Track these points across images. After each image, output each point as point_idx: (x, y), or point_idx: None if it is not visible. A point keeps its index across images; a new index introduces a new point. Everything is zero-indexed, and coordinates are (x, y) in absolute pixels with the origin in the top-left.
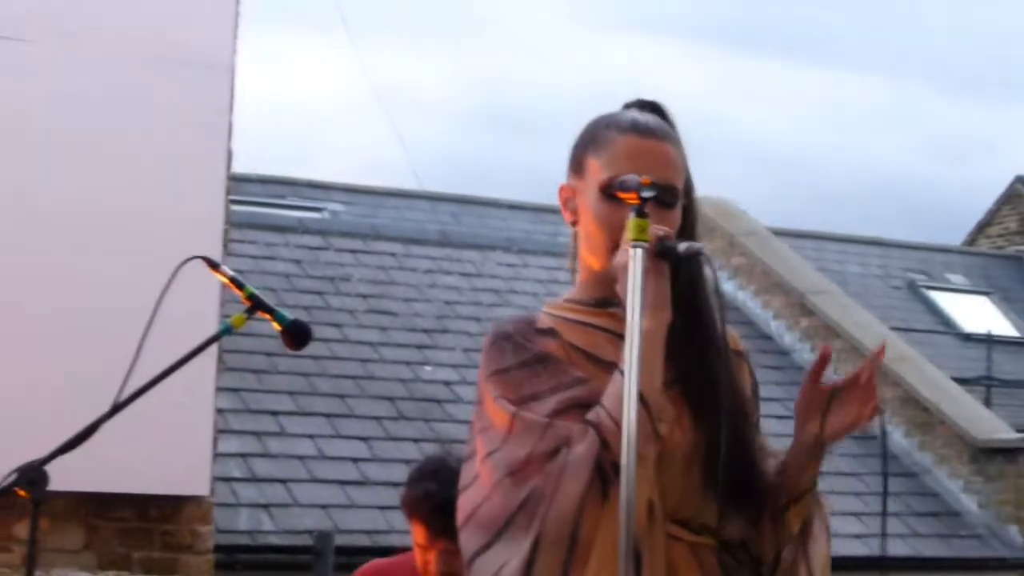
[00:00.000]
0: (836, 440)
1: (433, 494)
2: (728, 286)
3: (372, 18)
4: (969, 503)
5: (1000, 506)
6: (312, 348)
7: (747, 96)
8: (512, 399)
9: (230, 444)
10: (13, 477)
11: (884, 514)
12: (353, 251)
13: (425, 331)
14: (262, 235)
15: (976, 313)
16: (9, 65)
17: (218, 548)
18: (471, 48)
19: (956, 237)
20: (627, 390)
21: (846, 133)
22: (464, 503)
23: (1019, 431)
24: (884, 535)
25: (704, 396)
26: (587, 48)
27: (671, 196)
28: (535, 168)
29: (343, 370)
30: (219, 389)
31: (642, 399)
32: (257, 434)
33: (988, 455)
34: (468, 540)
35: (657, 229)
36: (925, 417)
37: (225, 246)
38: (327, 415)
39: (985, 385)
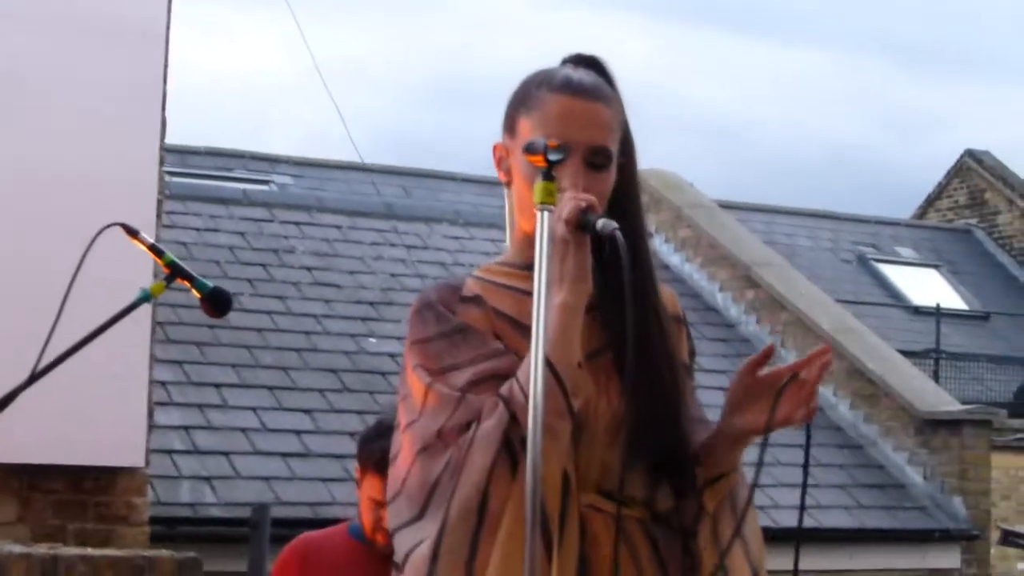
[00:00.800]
0: (766, 433)
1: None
2: (674, 259)
3: None
4: (914, 475)
5: (944, 478)
6: (255, 320)
7: (701, 70)
8: (431, 369)
9: (172, 416)
10: None
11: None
12: (298, 223)
13: (370, 303)
14: (206, 207)
15: (925, 286)
16: None
17: (158, 520)
18: (424, 22)
19: (908, 211)
20: (533, 363)
21: (800, 107)
22: (392, 474)
23: (966, 403)
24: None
25: (639, 365)
26: (539, 22)
27: (603, 158)
28: (488, 142)
29: (286, 342)
30: (161, 361)
31: (555, 373)
32: (199, 406)
33: (933, 427)
34: (392, 513)
35: (580, 200)
36: (870, 389)
37: (159, 216)
38: (270, 387)
39: (933, 358)
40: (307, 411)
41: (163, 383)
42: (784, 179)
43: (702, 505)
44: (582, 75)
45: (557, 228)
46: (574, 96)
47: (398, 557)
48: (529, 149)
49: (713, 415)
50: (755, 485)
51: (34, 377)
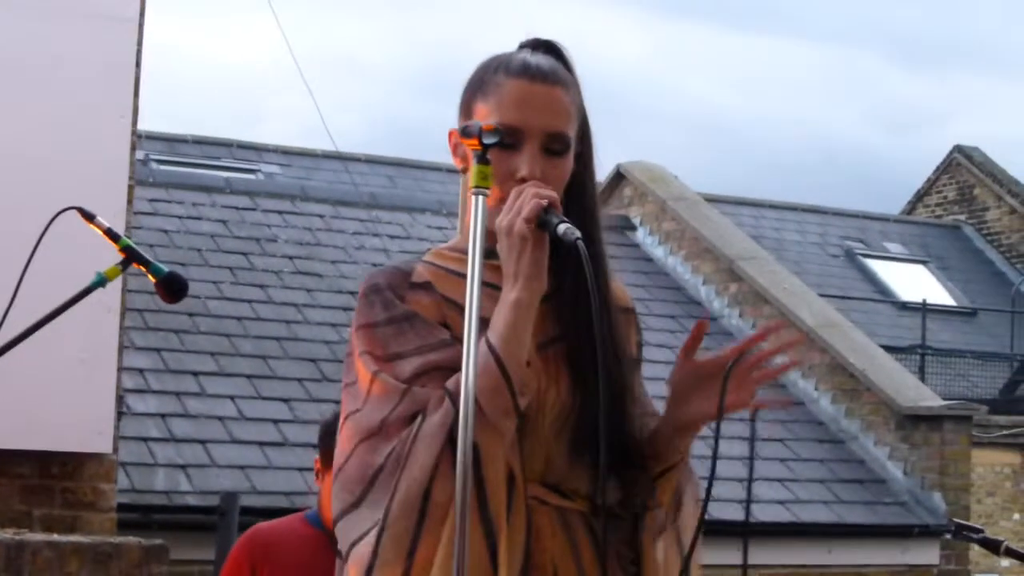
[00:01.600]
0: (717, 420)
1: None
2: (658, 251)
3: None
4: (894, 470)
5: (925, 473)
6: (235, 309)
7: (692, 64)
8: (377, 356)
9: (149, 404)
10: None
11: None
12: (280, 212)
13: (351, 293)
14: (189, 195)
15: (913, 282)
16: None
17: (132, 507)
18: (418, 14)
19: (898, 206)
20: (465, 351)
21: (791, 101)
22: (335, 459)
23: (953, 399)
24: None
25: (584, 358)
26: (532, 15)
27: (561, 144)
28: None
29: (266, 331)
30: (139, 348)
31: (503, 370)
32: (177, 394)
33: (914, 422)
34: (334, 499)
35: (541, 196)
36: (852, 384)
37: (130, 202)
38: (249, 376)
39: (919, 354)
40: (285, 400)
41: (140, 370)
42: (774, 173)
43: (653, 497)
44: (539, 59)
45: (517, 225)
46: (531, 81)
47: (341, 546)
48: (465, 133)
49: None
50: (710, 481)
51: None
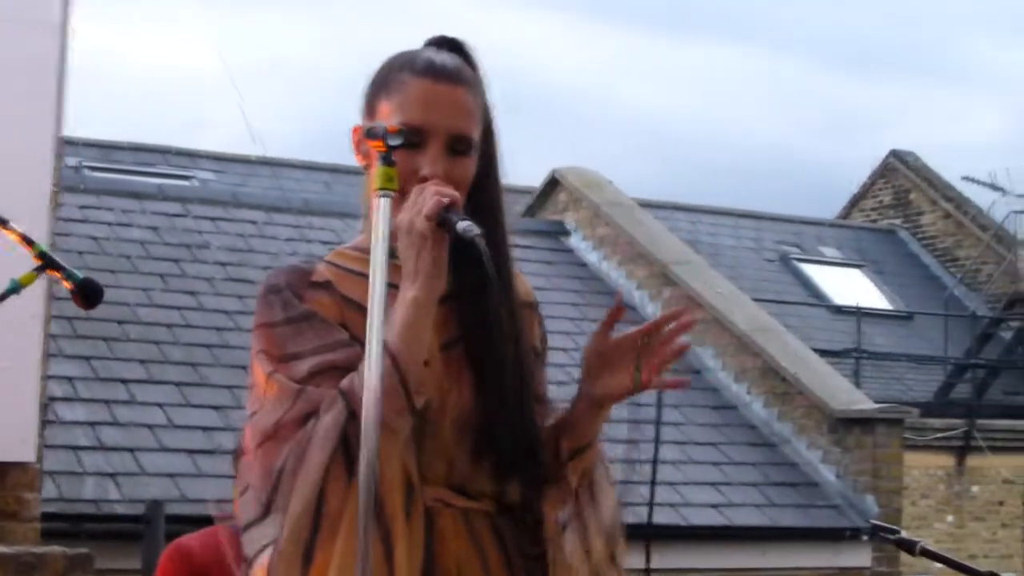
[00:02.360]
0: (622, 396)
1: None
2: (592, 256)
3: None
4: (827, 473)
5: (857, 476)
6: (165, 316)
7: (629, 71)
8: (273, 356)
9: (77, 412)
10: None
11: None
12: (213, 219)
13: None
14: (120, 201)
15: (848, 286)
16: None
17: (60, 517)
18: (354, 21)
19: (833, 211)
20: (368, 362)
21: (726, 107)
22: (239, 468)
23: (888, 403)
24: (651, 504)
25: (485, 358)
26: (469, 19)
27: (463, 144)
28: None
29: (197, 338)
30: (68, 356)
31: (399, 370)
32: (106, 402)
33: (846, 426)
34: (242, 506)
35: (442, 195)
36: (784, 387)
37: (53, 208)
38: (178, 384)
39: (855, 357)
40: (216, 407)
41: (69, 378)
42: (709, 179)
43: (567, 484)
44: (445, 58)
45: (417, 223)
46: (436, 80)
47: (247, 552)
48: (370, 134)
49: (628, 412)
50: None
51: None
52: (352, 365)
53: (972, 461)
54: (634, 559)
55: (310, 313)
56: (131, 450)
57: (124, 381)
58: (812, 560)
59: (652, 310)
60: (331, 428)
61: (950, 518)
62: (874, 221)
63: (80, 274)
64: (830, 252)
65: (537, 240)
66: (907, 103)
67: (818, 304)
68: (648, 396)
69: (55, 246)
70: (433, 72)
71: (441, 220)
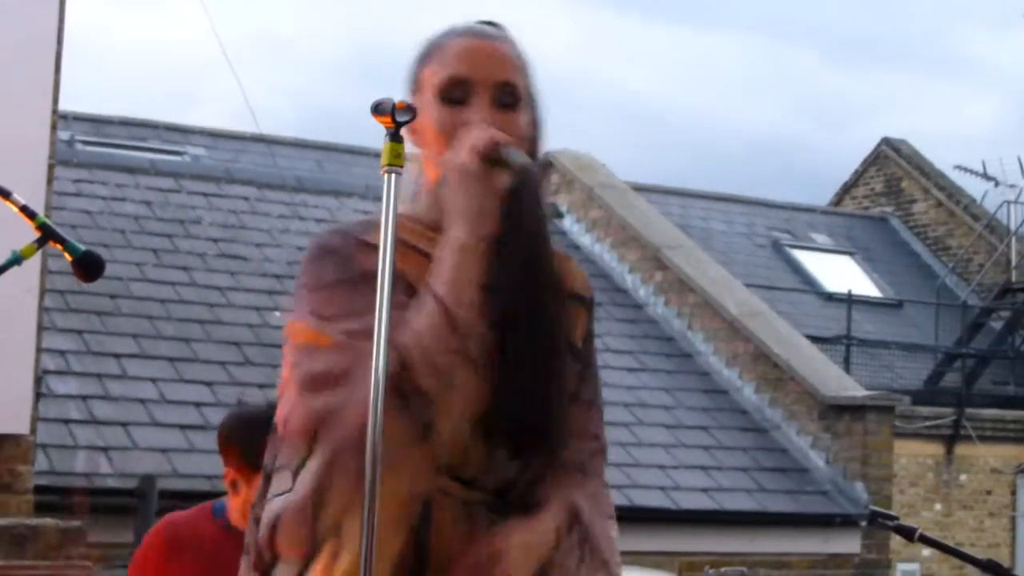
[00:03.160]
0: None
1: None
2: (584, 239)
3: None
4: (817, 459)
5: (847, 463)
6: (157, 291)
7: (623, 55)
8: (326, 315)
9: (70, 386)
10: None
11: None
12: (206, 194)
13: (276, 276)
14: (114, 176)
15: (839, 273)
16: None
17: (51, 490)
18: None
19: (825, 198)
20: (377, 342)
21: (721, 93)
22: (277, 415)
23: (877, 390)
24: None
25: (512, 339)
26: (461, 3)
27: (510, 95)
28: None
29: (189, 314)
30: (61, 330)
31: (447, 313)
32: (98, 376)
33: (836, 412)
34: (279, 452)
35: (497, 134)
36: (776, 373)
37: (50, 181)
38: (171, 359)
39: (845, 344)
40: (208, 383)
41: (62, 352)
42: (702, 164)
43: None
44: (484, 25)
45: (464, 158)
46: (478, 37)
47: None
48: (377, 110)
49: (619, 395)
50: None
51: None
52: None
53: (961, 450)
54: (648, 543)
55: (366, 273)
56: (123, 424)
57: (116, 355)
58: (802, 546)
59: (644, 293)
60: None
61: (938, 506)
62: (866, 209)
63: (81, 247)
64: (821, 239)
65: None
66: (900, 92)
67: (809, 291)
68: (645, 379)
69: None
70: (474, 31)
71: (495, 158)
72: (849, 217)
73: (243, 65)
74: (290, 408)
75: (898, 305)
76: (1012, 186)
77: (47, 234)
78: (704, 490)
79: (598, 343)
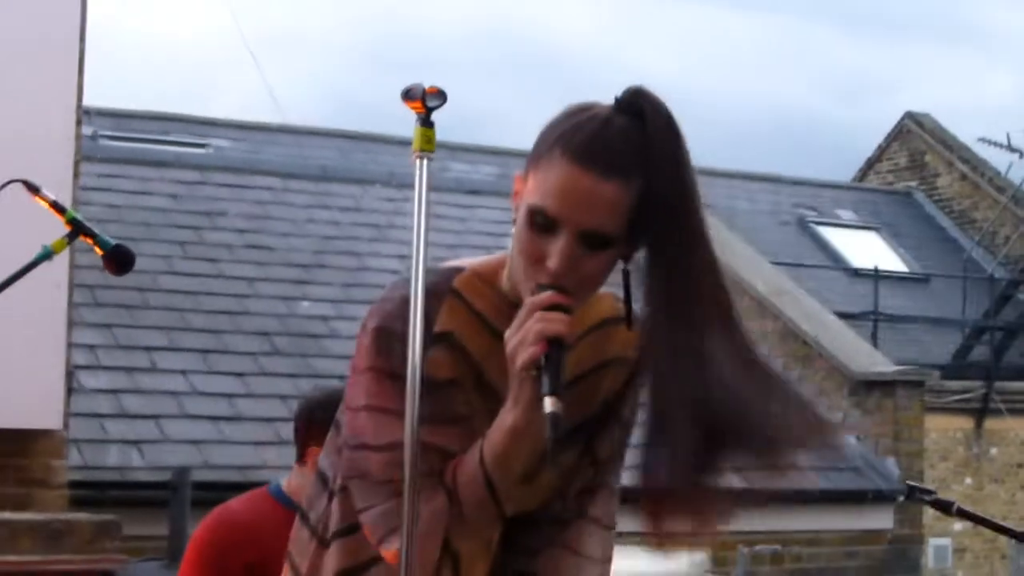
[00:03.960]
0: None
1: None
2: None
3: None
4: (848, 435)
5: (878, 438)
6: (185, 283)
7: (643, 35)
8: (378, 408)
9: (100, 380)
10: None
11: None
12: (230, 186)
13: (302, 266)
14: (138, 170)
15: (864, 248)
16: None
17: (84, 484)
18: None
19: (849, 174)
20: (411, 376)
21: (743, 71)
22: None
23: (903, 365)
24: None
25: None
26: None
27: (596, 241)
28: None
29: (217, 305)
30: (90, 324)
31: (491, 487)
32: (128, 370)
33: (867, 388)
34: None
35: (545, 332)
36: (804, 350)
37: (76, 176)
38: (200, 351)
39: (872, 320)
40: (238, 374)
41: (91, 346)
42: (725, 142)
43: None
44: (609, 137)
45: (520, 359)
46: (582, 168)
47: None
48: (408, 95)
49: None
50: None
51: None
52: (448, 448)
53: (990, 423)
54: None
55: (428, 383)
56: (154, 417)
57: (146, 349)
58: (834, 522)
59: None
60: (435, 521)
61: (968, 480)
62: (890, 184)
63: (111, 240)
64: (846, 215)
65: None
66: (922, 66)
67: (835, 267)
68: None
69: None
70: (581, 158)
71: (537, 368)
72: (874, 192)
73: (264, 56)
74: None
75: (925, 279)
76: None
77: (77, 229)
78: (736, 469)
79: None
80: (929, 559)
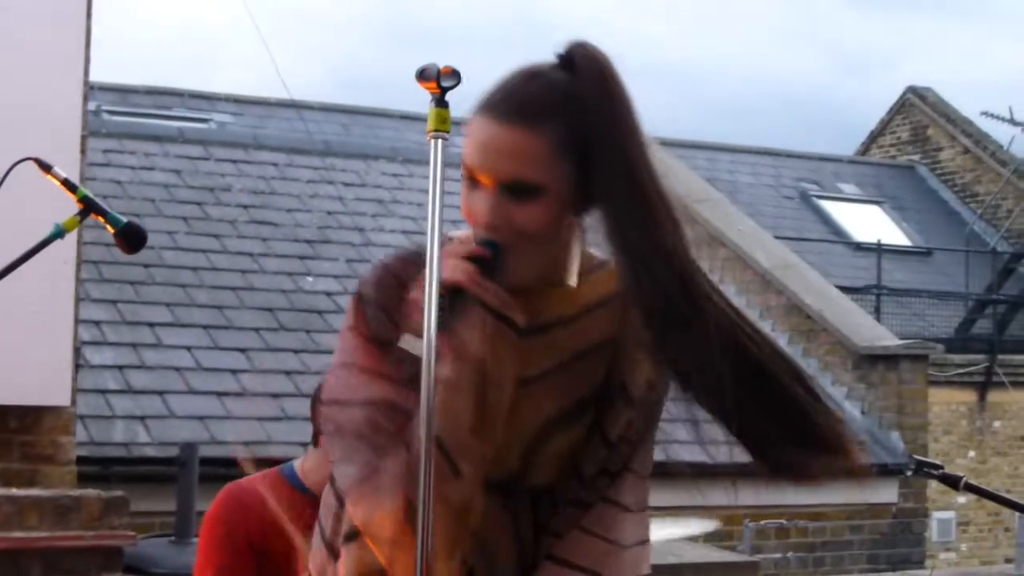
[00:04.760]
0: None
1: None
2: None
3: None
4: (852, 410)
5: (882, 412)
6: (190, 259)
7: (646, 8)
8: (356, 365)
9: (106, 356)
10: None
11: None
12: (234, 161)
13: (307, 242)
14: (142, 145)
15: (867, 222)
16: None
17: (91, 460)
18: None
19: (851, 147)
20: (427, 348)
21: (747, 45)
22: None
23: (908, 339)
24: None
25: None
26: None
27: (521, 190)
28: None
29: (222, 281)
30: (95, 300)
31: (441, 448)
32: (134, 345)
33: (871, 362)
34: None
35: (450, 280)
36: (808, 324)
37: (83, 153)
38: (205, 327)
39: (875, 294)
40: (243, 350)
41: (96, 322)
42: (728, 116)
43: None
44: (520, 88)
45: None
46: (491, 119)
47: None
48: (422, 75)
49: None
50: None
51: None
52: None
53: (994, 396)
54: (682, 498)
55: (388, 343)
56: (160, 393)
57: (151, 324)
58: (839, 496)
59: None
60: (396, 480)
61: (972, 453)
62: (893, 157)
63: (122, 218)
64: (849, 189)
65: None
66: (924, 39)
67: (838, 241)
68: None
69: None
70: (487, 109)
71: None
72: (876, 166)
73: (268, 30)
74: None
75: (927, 253)
76: None
77: (89, 206)
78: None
79: None
80: (933, 532)
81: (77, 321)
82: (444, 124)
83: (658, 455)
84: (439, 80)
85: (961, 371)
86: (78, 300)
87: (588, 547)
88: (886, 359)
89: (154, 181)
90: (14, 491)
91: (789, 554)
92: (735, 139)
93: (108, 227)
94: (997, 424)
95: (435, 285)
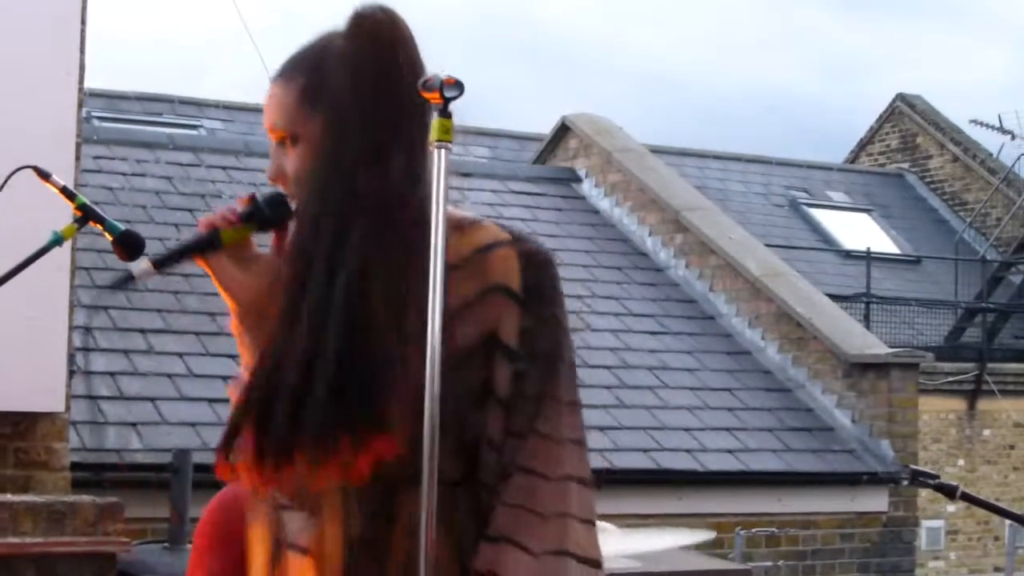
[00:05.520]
0: None
1: None
2: (604, 203)
3: None
4: (842, 418)
5: (873, 421)
6: (182, 266)
7: (637, 16)
8: None
9: (98, 362)
10: None
11: None
12: (225, 167)
13: None
14: (133, 151)
15: (857, 230)
16: None
17: (83, 466)
18: None
19: (841, 155)
20: (432, 310)
21: (734, 52)
22: None
23: (897, 347)
24: None
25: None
26: None
27: (281, 139)
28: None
29: (213, 287)
30: (87, 307)
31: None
32: (126, 352)
33: (861, 370)
34: None
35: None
36: (799, 332)
37: (78, 160)
38: (197, 333)
39: (864, 302)
40: (234, 356)
41: (89, 328)
42: (717, 124)
43: None
44: (294, 51)
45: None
46: (273, 77)
47: None
48: (425, 86)
49: (642, 358)
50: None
51: None
52: None
53: (983, 405)
54: (674, 506)
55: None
56: (152, 400)
57: (143, 331)
58: (829, 505)
59: (665, 256)
60: None
61: (961, 462)
62: (882, 165)
63: (120, 225)
64: (838, 197)
65: (549, 187)
66: (914, 46)
67: (827, 249)
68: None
69: None
70: (277, 71)
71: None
72: (866, 174)
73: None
74: None
75: (917, 261)
76: None
77: (87, 214)
78: (730, 451)
79: (619, 306)
80: (922, 541)
81: (71, 328)
82: (447, 134)
83: (648, 464)
84: (442, 90)
85: (951, 379)
86: (72, 307)
87: (506, 518)
88: (876, 367)
89: (145, 188)
90: (8, 497)
91: (780, 562)
92: (725, 147)
93: (106, 235)
94: (987, 432)
95: (439, 293)
